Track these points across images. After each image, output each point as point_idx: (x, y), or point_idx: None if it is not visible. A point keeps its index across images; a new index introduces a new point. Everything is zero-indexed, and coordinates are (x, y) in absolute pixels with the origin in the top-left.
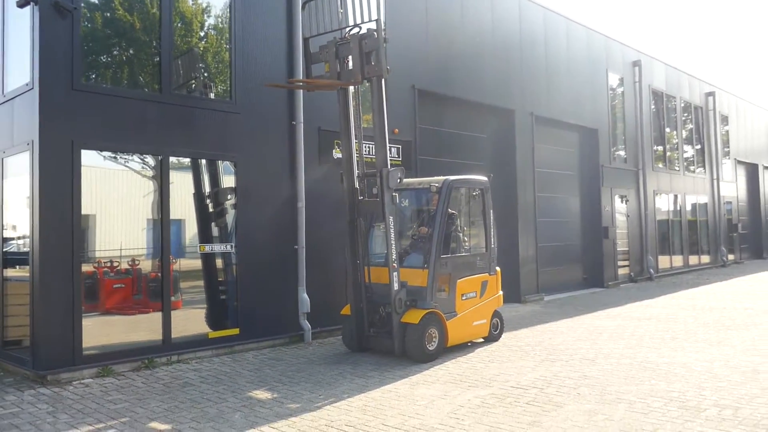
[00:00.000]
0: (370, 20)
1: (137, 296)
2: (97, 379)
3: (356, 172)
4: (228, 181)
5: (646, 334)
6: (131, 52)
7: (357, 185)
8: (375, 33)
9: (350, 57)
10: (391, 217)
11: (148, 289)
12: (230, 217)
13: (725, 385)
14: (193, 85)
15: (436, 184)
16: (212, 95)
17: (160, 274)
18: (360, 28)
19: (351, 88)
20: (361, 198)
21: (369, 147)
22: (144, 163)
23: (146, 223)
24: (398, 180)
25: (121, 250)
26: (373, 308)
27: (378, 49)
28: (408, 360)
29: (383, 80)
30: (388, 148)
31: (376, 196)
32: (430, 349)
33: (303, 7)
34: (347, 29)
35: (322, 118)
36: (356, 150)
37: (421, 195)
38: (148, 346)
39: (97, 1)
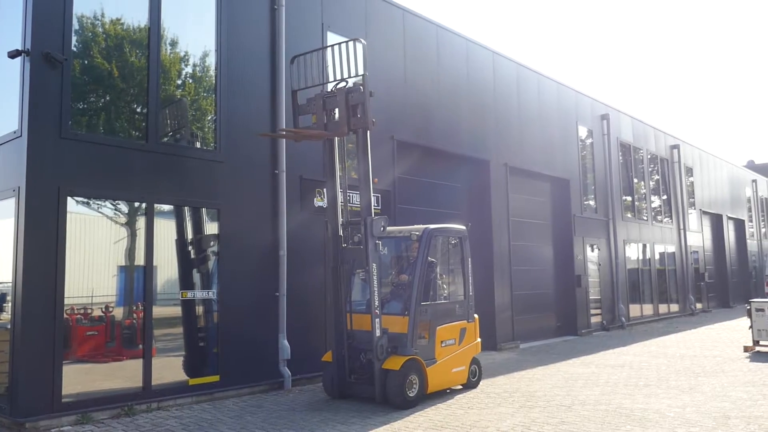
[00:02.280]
0: (356, 75)
1: (110, 344)
2: (76, 426)
3: (340, 220)
4: (209, 228)
5: (620, 381)
6: (118, 101)
7: (341, 233)
8: (361, 87)
9: (337, 109)
10: (375, 264)
11: (122, 337)
12: (211, 263)
13: (698, 430)
14: (179, 135)
15: (417, 233)
16: (197, 144)
17: (136, 321)
18: (347, 82)
19: (336, 139)
20: (344, 245)
21: (350, 195)
22: (117, 210)
23: (118, 270)
24: (382, 228)
25: (92, 296)
26: (354, 355)
27: (364, 103)
28: (389, 406)
29: (368, 132)
30: (372, 197)
31: (359, 244)
32: (410, 395)
33: (292, 61)
34: (335, 83)
35: (303, 167)
36: (340, 198)
37: (401, 243)
38: (128, 393)
39: (85, 52)
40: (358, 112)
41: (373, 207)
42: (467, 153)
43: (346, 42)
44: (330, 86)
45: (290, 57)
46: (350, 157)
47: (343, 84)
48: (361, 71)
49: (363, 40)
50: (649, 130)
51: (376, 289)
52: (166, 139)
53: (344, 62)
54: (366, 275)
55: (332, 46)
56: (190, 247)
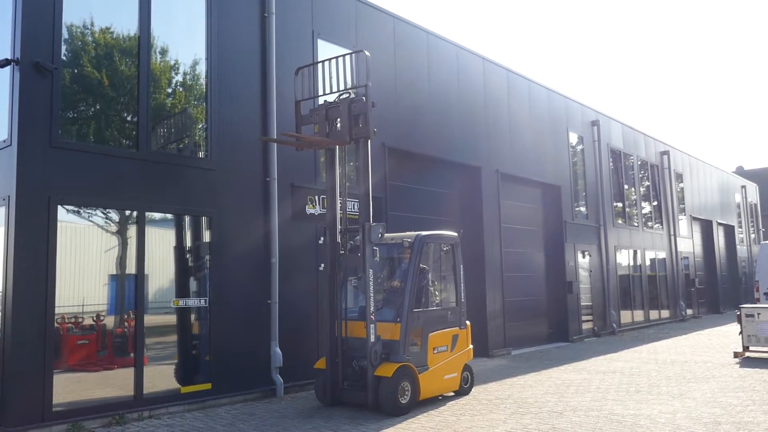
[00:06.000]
0: (359, 86)
1: (101, 352)
2: None
3: (339, 227)
4: (201, 236)
5: (611, 387)
6: (108, 110)
7: (339, 240)
8: (364, 98)
9: (339, 119)
10: (371, 271)
11: (114, 345)
12: (203, 271)
13: None
14: (170, 143)
15: (409, 240)
16: (188, 152)
17: (127, 330)
18: (350, 93)
19: (338, 149)
20: (342, 252)
21: (346, 203)
22: (108, 219)
23: (109, 279)
24: (380, 235)
25: (83, 305)
26: (347, 362)
27: (366, 113)
28: (381, 413)
29: (369, 141)
30: (371, 204)
31: (354, 250)
32: (402, 402)
33: (297, 73)
34: (338, 94)
35: (295, 175)
36: (340, 206)
37: (393, 250)
38: (119, 401)
39: (74, 61)
40: (359, 122)
41: (371, 214)
42: (458, 159)
43: (350, 54)
44: (333, 97)
45: (281, 64)
46: (341, 165)
47: (346, 95)
48: (363, 82)
49: (367, 53)
50: (639, 136)
51: (371, 294)
52: (162, 147)
53: (347, 73)
54: (359, 282)
55: (336, 57)
56: (182, 255)
